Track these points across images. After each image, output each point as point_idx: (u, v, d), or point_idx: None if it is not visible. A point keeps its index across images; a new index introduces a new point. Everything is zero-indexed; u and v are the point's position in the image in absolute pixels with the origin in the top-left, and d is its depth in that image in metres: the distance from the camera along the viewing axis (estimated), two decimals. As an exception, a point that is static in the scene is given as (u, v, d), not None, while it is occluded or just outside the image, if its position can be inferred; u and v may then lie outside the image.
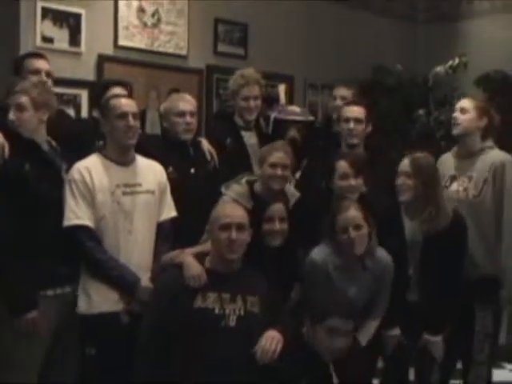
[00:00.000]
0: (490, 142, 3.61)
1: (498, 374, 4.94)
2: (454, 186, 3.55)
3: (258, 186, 3.34)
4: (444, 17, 5.91)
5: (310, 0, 5.41)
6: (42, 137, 3.00)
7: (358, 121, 3.67)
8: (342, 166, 3.29)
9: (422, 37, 5.99)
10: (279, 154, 3.29)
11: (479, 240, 3.42)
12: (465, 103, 3.62)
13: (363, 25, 5.76)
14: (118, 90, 3.40)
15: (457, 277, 3.25)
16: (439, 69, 5.31)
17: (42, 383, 2.97)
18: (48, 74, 3.44)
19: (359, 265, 3.09)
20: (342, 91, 4.07)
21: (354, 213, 3.04)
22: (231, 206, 2.98)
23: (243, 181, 3.38)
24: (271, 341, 2.70)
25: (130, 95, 3.55)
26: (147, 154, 3.22)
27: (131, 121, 3.00)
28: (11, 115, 2.91)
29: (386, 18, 5.92)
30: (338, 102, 4.01)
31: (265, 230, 3.04)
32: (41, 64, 3.42)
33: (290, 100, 5.14)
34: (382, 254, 3.13)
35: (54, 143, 3.07)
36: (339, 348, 2.69)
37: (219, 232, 2.82)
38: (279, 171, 3.26)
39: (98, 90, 3.55)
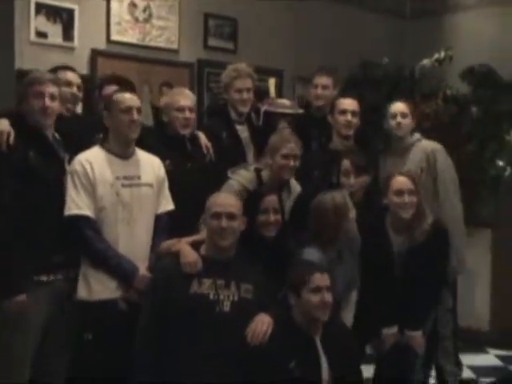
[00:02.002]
0: (417, 135, 3.95)
1: (483, 359, 5.15)
2: None
3: (265, 175, 3.47)
4: (431, 11, 5.96)
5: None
6: (50, 128, 3.10)
7: (353, 113, 3.85)
8: (345, 164, 3.49)
9: (409, 31, 6.07)
10: (291, 144, 3.45)
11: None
12: (403, 108, 3.88)
13: (351, 19, 5.83)
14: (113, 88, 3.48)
15: (440, 279, 3.44)
16: (425, 62, 5.41)
17: (35, 369, 3.03)
18: (79, 87, 3.64)
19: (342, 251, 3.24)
20: (323, 79, 4.12)
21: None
22: (224, 196, 3.09)
23: (251, 167, 3.52)
24: (262, 323, 2.81)
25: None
26: (145, 146, 3.30)
27: (135, 115, 3.10)
28: (47, 102, 3.00)
29: (374, 12, 5.99)
30: (320, 91, 4.09)
31: (259, 221, 3.13)
32: (72, 77, 3.60)
33: (280, 94, 5.21)
34: (349, 225, 3.28)
35: (57, 135, 3.16)
36: (327, 302, 2.79)
37: (211, 220, 2.94)
38: (291, 162, 3.42)
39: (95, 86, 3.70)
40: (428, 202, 3.66)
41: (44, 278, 2.98)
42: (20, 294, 2.89)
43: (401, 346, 3.39)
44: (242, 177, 3.43)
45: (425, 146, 3.88)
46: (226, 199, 3.03)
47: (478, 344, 5.42)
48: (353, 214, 3.22)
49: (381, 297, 3.33)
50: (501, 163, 5.26)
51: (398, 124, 3.83)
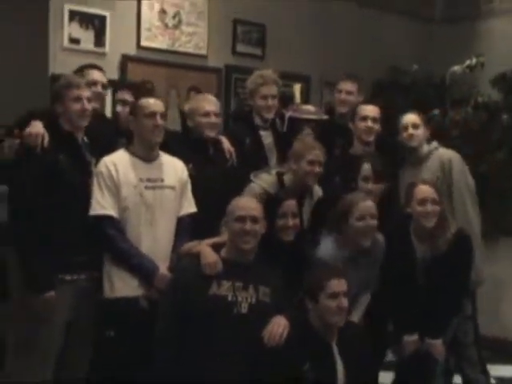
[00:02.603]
0: (435, 143, 3.91)
1: (510, 370, 5.11)
2: None
3: (287, 179, 3.52)
4: (461, 16, 5.95)
5: (326, 0, 5.52)
6: (81, 131, 3.21)
7: (374, 120, 3.88)
8: (366, 168, 3.51)
9: (439, 36, 6.03)
10: (316, 151, 3.50)
11: None
12: (415, 119, 3.85)
13: (379, 24, 5.83)
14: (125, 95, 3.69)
15: (462, 288, 3.43)
16: (456, 68, 5.41)
17: (59, 365, 3.12)
18: (104, 86, 3.71)
19: (366, 253, 3.26)
20: (347, 85, 4.16)
21: (371, 203, 3.25)
22: (246, 200, 3.15)
23: (273, 171, 3.57)
24: (278, 325, 2.85)
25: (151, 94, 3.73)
26: (170, 150, 3.38)
27: (159, 120, 3.18)
28: (86, 105, 3.13)
29: (403, 17, 5.99)
30: (344, 96, 4.13)
31: (278, 225, 3.18)
32: (98, 76, 3.66)
33: (307, 99, 5.24)
34: (379, 237, 3.33)
35: (85, 138, 3.26)
36: (344, 308, 2.83)
37: (235, 223, 2.99)
38: (317, 168, 3.47)
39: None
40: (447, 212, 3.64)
41: (68, 277, 3.07)
42: (48, 291, 2.98)
43: (421, 354, 3.39)
44: (263, 180, 3.48)
45: (441, 155, 3.85)
46: (248, 203, 3.09)
47: (505, 354, 5.36)
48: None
49: (403, 304, 3.34)
50: (531, 171, 5.23)
51: (410, 135, 3.81)
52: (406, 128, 3.83)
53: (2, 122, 3.48)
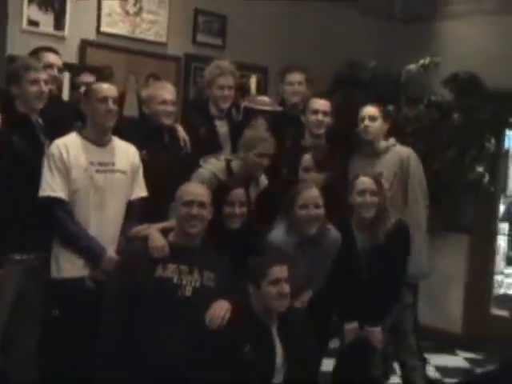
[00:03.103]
0: (392, 140, 4.02)
1: (451, 360, 5.28)
2: None
3: (235, 165, 3.60)
4: (420, 16, 6.06)
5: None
6: (36, 113, 3.25)
7: (325, 113, 3.98)
8: (307, 159, 3.58)
9: (398, 35, 6.12)
10: (267, 144, 3.58)
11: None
12: (373, 112, 3.94)
13: (342, 21, 5.89)
14: (88, 78, 3.70)
15: (400, 278, 3.56)
16: (412, 67, 5.50)
17: (5, 344, 3.19)
18: (59, 69, 3.72)
19: (313, 241, 3.34)
20: (296, 76, 4.25)
21: (315, 192, 3.33)
22: (194, 185, 3.23)
23: (222, 157, 3.65)
24: (220, 309, 2.94)
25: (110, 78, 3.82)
26: (124, 136, 3.44)
27: (111, 105, 3.24)
28: (43, 87, 3.18)
29: (365, 14, 6.06)
30: (296, 87, 4.21)
31: (225, 213, 3.26)
32: (53, 59, 3.67)
33: (265, 91, 5.32)
34: (333, 230, 3.41)
35: (40, 120, 3.30)
36: (285, 294, 2.92)
37: (182, 208, 3.07)
38: (265, 161, 3.56)
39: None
40: (398, 207, 3.79)
41: (17, 257, 3.13)
42: None
43: (360, 341, 3.51)
44: (212, 165, 3.57)
45: (399, 151, 3.97)
46: (196, 188, 3.17)
47: (448, 346, 5.55)
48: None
49: (344, 292, 3.45)
50: (480, 169, 5.38)
51: (366, 127, 3.90)
52: (363, 119, 3.93)
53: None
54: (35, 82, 3.17)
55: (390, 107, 5.39)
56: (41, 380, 3.23)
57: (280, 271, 2.94)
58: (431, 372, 4.80)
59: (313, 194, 3.31)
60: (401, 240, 3.49)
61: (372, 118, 3.91)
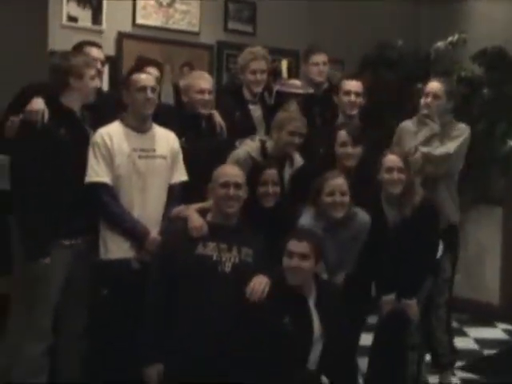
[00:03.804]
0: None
1: (490, 332, 5.35)
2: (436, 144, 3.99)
3: (269, 146, 3.75)
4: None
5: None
6: (79, 106, 3.42)
7: (357, 94, 4.09)
8: (342, 134, 3.69)
9: (426, 14, 6.20)
10: (297, 123, 3.73)
11: (447, 193, 3.86)
12: (438, 89, 4.00)
13: (370, 2, 5.97)
14: (151, 70, 3.77)
15: (429, 252, 3.65)
16: (440, 44, 5.57)
17: (58, 319, 3.39)
18: (102, 63, 3.86)
19: (341, 225, 3.46)
20: (322, 56, 4.43)
21: (341, 180, 3.44)
22: (230, 167, 3.38)
23: (257, 138, 3.81)
24: (259, 283, 3.09)
25: (161, 73, 3.95)
26: (164, 123, 3.59)
27: (149, 93, 3.39)
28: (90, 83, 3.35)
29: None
30: (322, 67, 4.40)
31: (260, 192, 3.40)
32: (96, 53, 3.82)
33: (296, 74, 5.46)
34: (361, 214, 3.52)
35: (84, 112, 3.47)
36: (294, 267, 3.05)
37: (219, 189, 3.22)
38: (296, 139, 3.70)
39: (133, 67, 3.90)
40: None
41: (66, 242, 3.31)
42: (43, 258, 3.21)
43: (397, 312, 3.61)
44: (247, 146, 3.73)
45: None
46: (232, 170, 3.33)
47: (486, 318, 5.63)
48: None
49: (378, 266, 3.57)
50: (511, 143, 5.43)
51: (428, 105, 4.01)
52: (426, 95, 4.00)
53: (3, 95, 3.67)
54: (93, 77, 3.37)
55: (419, 85, 5.50)
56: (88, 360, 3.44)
57: (295, 245, 3.07)
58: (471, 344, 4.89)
59: (339, 181, 3.43)
60: (428, 216, 3.58)
61: (436, 96, 3.99)
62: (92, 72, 3.39)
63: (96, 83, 3.43)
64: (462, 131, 4.06)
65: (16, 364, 3.32)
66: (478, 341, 5.15)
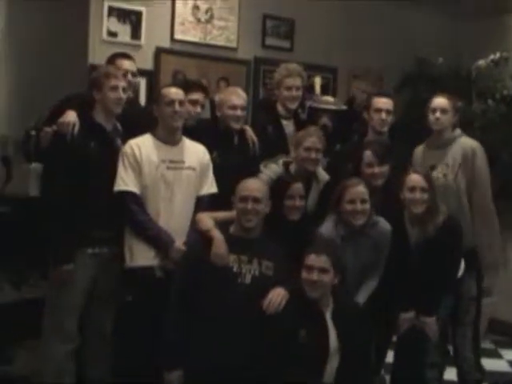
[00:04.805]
0: (458, 131, 4.02)
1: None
2: (435, 174, 3.89)
3: (292, 167, 3.80)
4: (489, 11, 6.08)
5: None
6: (113, 118, 3.53)
7: (388, 112, 4.08)
8: (368, 155, 3.72)
9: (468, 31, 6.11)
10: (313, 138, 3.76)
11: (460, 217, 3.78)
12: (444, 104, 3.95)
13: (408, 18, 6.00)
14: (196, 96, 3.88)
15: (452, 270, 3.64)
16: (481, 62, 5.53)
17: (84, 327, 3.51)
18: (133, 74, 3.94)
19: (361, 233, 3.49)
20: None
21: (362, 188, 3.47)
22: (251, 181, 3.41)
23: (280, 161, 3.85)
24: (277, 295, 3.13)
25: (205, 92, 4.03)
26: (200, 137, 3.69)
27: (177, 107, 3.48)
28: (121, 94, 3.45)
29: (431, 11, 6.12)
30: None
31: (286, 205, 3.46)
32: (128, 65, 3.91)
33: (334, 90, 5.51)
34: (382, 223, 3.54)
35: (118, 125, 3.58)
36: (314, 281, 3.08)
37: (239, 203, 3.29)
38: (313, 154, 3.74)
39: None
40: (462, 199, 3.90)
41: (90, 251, 3.42)
42: (67, 264, 3.33)
43: (416, 330, 3.60)
44: (270, 170, 3.78)
45: (465, 143, 3.98)
46: (252, 184, 3.37)
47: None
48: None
49: (399, 283, 3.56)
50: (551, 163, 5.33)
51: (437, 119, 3.94)
52: (434, 111, 3.97)
53: (44, 107, 3.83)
54: (114, 88, 3.44)
55: (459, 103, 5.46)
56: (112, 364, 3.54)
57: (314, 259, 3.11)
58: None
59: (359, 189, 3.46)
60: (451, 235, 3.57)
61: (443, 111, 3.95)
62: (112, 83, 3.45)
63: (122, 95, 3.47)
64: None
65: (43, 365, 3.46)
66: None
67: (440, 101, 3.98)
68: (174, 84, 4.05)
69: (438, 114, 3.94)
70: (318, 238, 3.44)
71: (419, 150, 4.12)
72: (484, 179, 3.98)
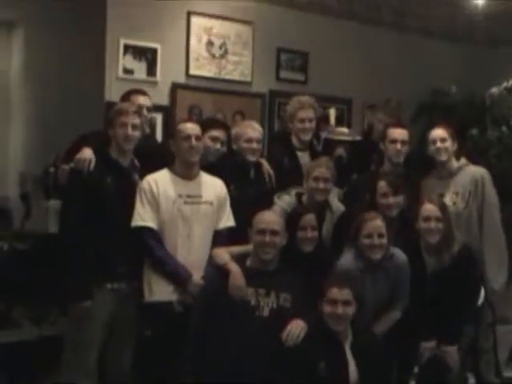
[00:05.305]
0: (463, 160, 4.09)
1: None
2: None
3: (305, 198, 3.82)
4: (502, 40, 6.13)
5: (367, 26, 5.80)
6: (129, 153, 3.55)
7: (403, 142, 4.10)
8: (382, 185, 3.74)
9: (481, 59, 6.17)
10: (321, 169, 3.78)
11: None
12: (442, 133, 4.02)
13: (421, 48, 6.06)
14: (216, 133, 3.89)
15: (469, 300, 3.63)
16: (494, 90, 5.56)
17: (103, 362, 3.51)
18: (148, 109, 3.98)
19: (379, 266, 3.49)
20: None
21: (379, 222, 3.48)
22: (268, 214, 3.44)
23: (293, 193, 3.86)
24: (296, 327, 3.14)
25: (226, 129, 4.04)
26: (217, 172, 3.73)
27: (193, 142, 3.51)
28: (130, 131, 3.45)
29: (445, 41, 6.21)
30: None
31: (298, 237, 3.47)
32: (142, 100, 3.94)
33: (349, 121, 5.54)
34: (398, 254, 3.54)
35: (135, 161, 3.62)
36: (339, 315, 3.09)
37: (256, 236, 3.31)
38: (321, 184, 3.75)
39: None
40: (473, 227, 3.93)
41: (109, 286, 3.43)
42: (85, 300, 3.34)
43: (437, 359, 3.58)
44: (284, 202, 3.80)
45: (473, 171, 4.04)
46: (269, 217, 3.40)
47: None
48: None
49: (418, 313, 3.55)
50: None
51: (439, 149, 4.00)
52: (434, 142, 4.03)
53: (62, 144, 3.90)
54: (123, 125, 3.46)
55: (474, 131, 5.48)
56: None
57: (338, 293, 3.12)
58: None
59: (377, 223, 3.47)
60: (466, 264, 3.57)
61: (443, 140, 4.00)
62: (122, 120, 3.47)
63: (130, 132, 3.47)
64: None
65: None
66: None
67: (438, 131, 4.06)
68: (192, 119, 4.10)
69: (438, 144, 4.01)
70: (338, 270, 3.45)
71: (427, 182, 4.15)
72: (494, 205, 4.02)
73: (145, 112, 3.92)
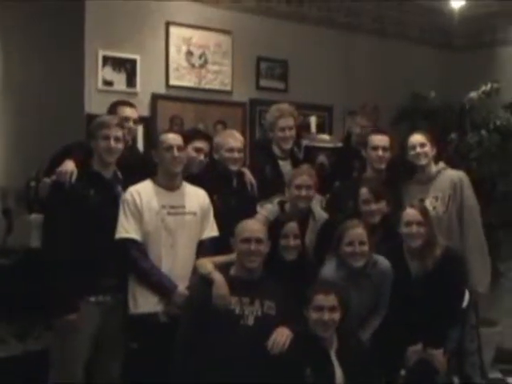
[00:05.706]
0: (442, 164, 4.15)
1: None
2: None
3: (287, 207, 3.83)
4: (480, 44, 6.20)
5: (346, 33, 5.83)
6: (112, 165, 3.54)
7: (385, 149, 4.13)
8: (364, 192, 3.77)
9: (459, 63, 6.26)
10: (303, 176, 3.80)
11: None
12: (420, 138, 4.09)
13: (400, 53, 6.11)
14: (199, 144, 3.88)
15: (454, 303, 3.66)
16: (473, 94, 5.60)
17: (91, 375, 3.50)
18: (135, 121, 4.00)
19: (361, 273, 3.51)
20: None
21: (360, 230, 3.50)
22: (252, 222, 3.45)
23: (276, 201, 3.87)
24: (281, 335, 3.15)
25: (209, 141, 4.01)
26: (200, 181, 3.73)
27: (176, 152, 3.51)
28: (112, 143, 3.44)
29: (423, 46, 6.27)
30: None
31: (281, 245, 3.48)
32: (129, 112, 3.96)
33: (330, 128, 5.57)
34: (381, 261, 3.56)
35: (118, 173, 3.61)
36: (326, 321, 3.10)
37: (241, 244, 3.31)
38: (303, 192, 3.76)
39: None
40: (454, 230, 3.98)
41: (93, 299, 3.42)
42: (70, 314, 3.32)
43: (424, 362, 3.60)
44: (266, 210, 3.81)
45: (451, 174, 4.11)
46: (253, 225, 3.41)
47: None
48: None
49: (404, 317, 3.56)
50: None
51: (418, 154, 4.05)
52: (413, 147, 4.08)
53: (43, 157, 3.88)
54: (106, 138, 3.45)
55: (453, 135, 5.52)
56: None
57: (324, 299, 3.13)
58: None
59: (358, 231, 3.49)
60: (450, 267, 3.60)
61: (422, 145, 4.06)
62: (104, 132, 3.46)
63: (112, 144, 3.46)
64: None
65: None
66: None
67: (417, 137, 4.12)
68: (174, 130, 4.11)
69: (418, 149, 4.06)
70: (321, 279, 3.46)
71: (407, 187, 4.19)
72: (473, 207, 4.09)
73: (131, 124, 3.93)
